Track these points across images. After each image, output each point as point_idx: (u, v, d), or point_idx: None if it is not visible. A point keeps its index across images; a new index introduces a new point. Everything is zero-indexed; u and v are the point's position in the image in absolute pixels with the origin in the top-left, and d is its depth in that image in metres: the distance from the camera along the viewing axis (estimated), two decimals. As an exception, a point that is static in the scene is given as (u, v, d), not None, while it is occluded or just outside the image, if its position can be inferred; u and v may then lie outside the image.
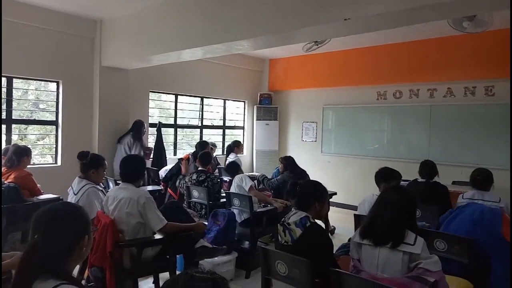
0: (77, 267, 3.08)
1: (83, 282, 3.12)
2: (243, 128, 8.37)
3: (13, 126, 5.12)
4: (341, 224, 5.56)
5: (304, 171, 5.16)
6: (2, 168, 3.90)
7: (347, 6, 3.19)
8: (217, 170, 6.05)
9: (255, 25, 3.85)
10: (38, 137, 5.75)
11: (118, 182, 4.75)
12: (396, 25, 3.76)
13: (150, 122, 6.48)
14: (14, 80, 5.07)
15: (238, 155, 6.41)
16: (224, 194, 4.54)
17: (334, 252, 2.42)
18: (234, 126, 8.25)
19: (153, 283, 3.34)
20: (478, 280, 2.53)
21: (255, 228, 4.00)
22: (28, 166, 4.22)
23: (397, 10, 2.97)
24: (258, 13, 3.82)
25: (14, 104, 5.15)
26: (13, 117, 5.08)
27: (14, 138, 5.17)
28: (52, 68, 5.27)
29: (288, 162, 5.21)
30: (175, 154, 6.89)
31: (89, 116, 5.67)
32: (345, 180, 7.07)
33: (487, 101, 5.76)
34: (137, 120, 5.77)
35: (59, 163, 5.42)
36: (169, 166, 5.61)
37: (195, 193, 4.57)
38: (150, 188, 5.10)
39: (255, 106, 8.24)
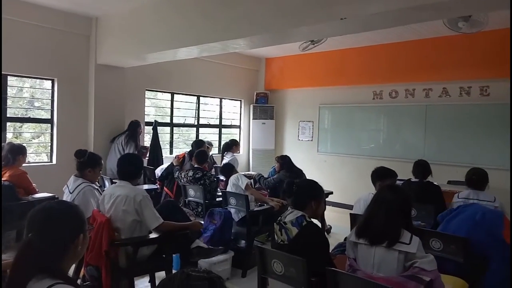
0: (73, 266, 3.06)
1: (78, 281, 3.11)
2: (239, 127, 8.37)
3: (8, 124, 5.08)
4: (337, 223, 5.58)
5: (300, 170, 5.17)
6: (-3, 167, 3.88)
7: (344, 6, 3.19)
8: (213, 169, 6.04)
9: (252, 23, 3.85)
10: (33, 135, 5.71)
11: (114, 181, 4.79)
12: (392, 24, 3.77)
13: (146, 120, 6.46)
14: (9, 78, 5.03)
15: (234, 154, 6.40)
16: (220, 193, 4.54)
17: (330, 251, 2.43)
18: (231, 125, 8.24)
19: (149, 282, 3.33)
20: (473, 279, 2.54)
21: (252, 227, 4.00)
22: (23, 165, 4.19)
23: (393, 10, 2.98)
24: (254, 12, 3.82)
25: (9, 102, 5.11)
26: (8, 115, 5.04)
27: (9, 136, 5.14)
28: (48, 65, 5.23)
29: (285, 161, 5.21)
30: (171, 153, 6.87)
31: (85, 114, 5.64)
32: (341, 180, 7.08)
33: (482, 101, 5.80)
34: (133, 120, 5.74)
35: (54, 161, 5.39)
36: (165, 165, 5.59)
37: (191, 192, 4.57)
38: (146, 187, 5.09)
39: (251, 105, 8.24)
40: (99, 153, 3.92)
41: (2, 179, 3.80)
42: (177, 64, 6.37)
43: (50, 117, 5.41)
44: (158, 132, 6.30)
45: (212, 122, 7.84)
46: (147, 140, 6.42)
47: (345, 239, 2.37)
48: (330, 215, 5.81)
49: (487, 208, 2.93)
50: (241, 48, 4.72)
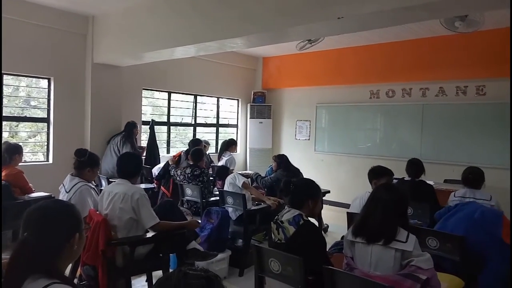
0: (69, 266, 3.06)
1: (75, 280, 3.10)
2: (236, 126, 8.37)
3: (4, 123, 5.05)
4: (334, 222, 5.59)
5: (297, 170, 5.18)
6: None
7: (341, 5, 3.20)
8: (210, 169, 6.03)
9: (249, 22, 3.85)
10: (30, 134, 5.68)
11: (110, 180, 4.77)
12: (389, 24, 3.78)
13: (143, 120, 6.45)
14: (5, 77, 5.00)
15: (232, 153, 6.40)
16: (217, 192, 4.55)
17: (327, 250, 2.43)
18: (228, 124, 8.24)
19: (146, 281, 3.33)
20: (469, 278, 2.56)
21: (249, 226, 4.01)
22: (20, 164, 4.17)
23: (390, 9, 2.98)
24: (252, 11, 3.82)
25: (5, 101, 5.08)
26: (4, 114, 5.01)
27: (5, 135, 5.11)
28: (44, 64, 5.21)
29: (282, 161, 5.21)
30: (168, 152, 6.86)
31: (81, 113, 5.62)
32: (338, 178, 7.10)
33: (478, 100, 5.82)
34: (129, 121, 5.72)
35: (50, 160, 5.37)
36: (162, 164, 5.59)
37: (188, 191, 4.57)
38: (143, 186, 5.07)
39: (248, 104, 8.23)
40: (96, 152, 3.90)
41: (-2, 178, 3.78)
42: (174, 63, 6.36)
43: (46, 116, 5.39)
44: (155, 131, 6.29)
45: (209, 121, 7.83)
46: (144, 139, 6.41)
47: (342, 237, 2.38)
48: (327, 214, 5.81)
49: (486, 207, 2.94)
50: (238, 47, 4.72)
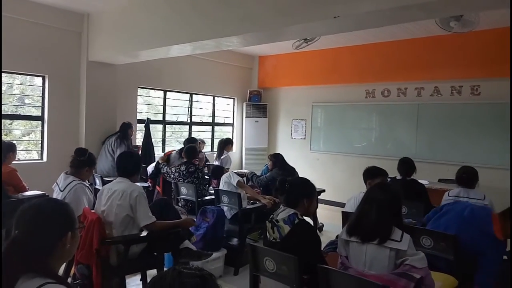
0: (63, 265, 3.04)
1: (69, 279, 3.08)
2: (232, 125, 8.36)
3: (-2, 121, 5.01)
4: (329, 221, 5.60)
5: (293, 169, 5.18)
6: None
7: (337, 4, 3.20)
8: (205, 168, 6.02)
9: (245, 21, 3.84)
10: (24, 132, 5.64)
11: (104, 179, 4.79)
12: (385, 23, 3.79)
13: (138, 118, 6.42)
14: (-1, 74, 4.96)
15: (228, 152, 6.39)
16: (212, 191, 4.54)
17: (322, 249, 2.44)
18: (223, 123, 8.23)
19: (140, 280, 3.32)
20: (463, 276, 2.57)
21: (244, 225, 4.01)
22: (13, 162, 4.14)
23: (386, 9, 2.99)
24: (248, 10, 3.81)
25: (-1, 98, 5.04)
26: (-2, 112, 4.98)
27: (-2, 133, 5.07)
28: (38, 62, 5.17)
29: (277, 160, 5.21)
30: (163, 150, 6.84)
31: (76, 111, 5.59)
32: (334, 178, 7.12)
33: (473, 100, 5.86)
34: (125, 122, 5.68)
35: (45, 159, 5.33)
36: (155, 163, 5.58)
37: (183, 189, 4.56)
38: (138, 185, 5.06)
39: (244, 103, 8.23)
40: (91, 150, 3.90)
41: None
42: (169, 62, 6.34)
43: (40, 114, 5.35)
44: (151, 129, 6.27)
45: (205, 120, 7.82)
46: (139, 138, 6.38)
47: (337, 237, 2.38)
48: (322, 213, 5.83)
49: (474, 205, 2.97)
50: (234, 46, 4.71)
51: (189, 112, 7.40)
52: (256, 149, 8.18)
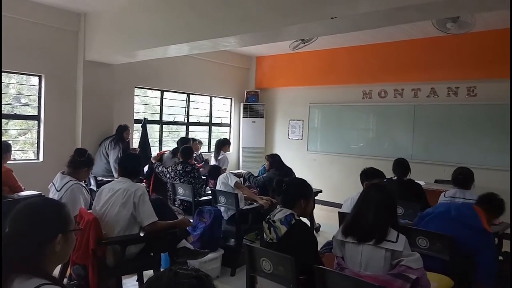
0: (59, 266, 3.03)
1: (65, 280, 3.07)
2: (229, 125, 8.35)
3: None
4: (326, 222, 5.61)
5: (290, 169, 5.19)
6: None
7: (334, 5, 3.21)
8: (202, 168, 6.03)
9: (242, 21, 3.84)
10: (20, 132, 5.61)
11: (98, 179, 4.84)
12: (382, 24, 3.81)
13: (135, 118, 6.41)
14: (-5, 74, 4.93)
15: (225, 153, 6.40)
16: (209, 192, 4.55)
17: (318, 249, 2.44)
18: (221, 123, 8.22)
19: (137, 281, 3.31)
20: (459, 277, 2.58)
21: (241, 225, 4.01)
22: (9, 162, 4.12)
23: (383, 10, 3.00)
24: (245, 10, 3.81)
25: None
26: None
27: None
28: (35, 61, 5.15)
29: (274, 160, 5.22)
30: (160, 151, 6.82)
31: (73, 111, 5.57)
32: (331, 178, 7.13)
33: (469, 101, 5.88)
34: (121, 124, 5.66)
35: (41, 159, 5.31)
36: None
37: (180, 190, 4.56)
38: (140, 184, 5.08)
39: (241, 104, 8.23)
40: (88, 150, 3.92)
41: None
42: (167, 62, 6.33)
43: (37, 114, 5.33)
44: (148, 129, 6.26)
45: (202, 120, 7.81)
46: (136, 138, 6.37)
47: (334, 237, 2.39)
48: (319, 213, 5.84)
49: (457, 203, 2.99)
50: (231, 46, 4.71)
51: (186, 112, 7.39)
52: (253, 150, 8.18)
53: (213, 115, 7.96)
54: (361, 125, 7.15)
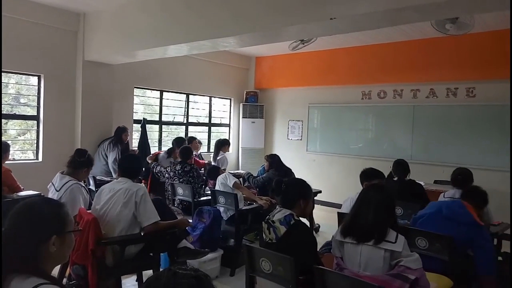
0: (58, 265, 3.03)
1: (64, 280, 3.07)
2: (229, 125, 8.35)
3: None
4: (326, 222, 5.61)
5: (289, 169, 5.19)
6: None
7: (334, 5, 3.21)
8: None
9: (242, 22, 3.85)
10: (19, 132, 5.61)
11: (97, 178, 4.84)
12: (381, 25, 3.81)
13: (134, 118, 6.40)
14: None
15: (224, 153, 6.40)
16: (209, 192, 4.55)
17: (318, 249, 2.44)
18: (220, 124, 8.22)
19: (136, 281, 3.31)
20: (458, 277, 2.59)
21: (240, 226, 4.01)
22: (9, 162, 4.12)
23: (382, 10, 3.00)
24: (245, 10, 3.81)
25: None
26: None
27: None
28: (34, 61, 5.14)
29: (274, 160, 5.22)
30: (159, 150, 6.82)
31: (72, 111, 5.56)
32: (330, 179, 7.13)
33: (468, 102, 5.89)
34: (119, 126, 5.65)
35: (40, 159, 5.30)
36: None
37: (179, 190, 4.56)
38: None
39: (241, 104, 8.23)
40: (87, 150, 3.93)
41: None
42: (166, 62, 6.33)
43: (36, 114, 5.32)
44: (147, 130, 6.26)
45: (201, 120, 7.81)
46: (135, 138, 6.37)
47: (333, 238, 2.39)
48: (319, 214, 5.84)
49: (447, 201, 3.01)
50: (231, 46, 4.71)
51: (186, 112, 7.39)
52: (252, 150, 8.19)
53: (212, 115, 7.96)
54: (360, 126, 7.15)
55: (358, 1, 3.08)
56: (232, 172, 5.98)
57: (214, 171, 4.72)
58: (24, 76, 5.30)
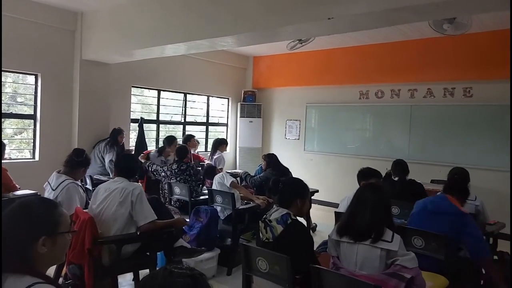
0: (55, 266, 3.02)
1: (60, 280, 3.06)
2: (226, 125, 8.35)
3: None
4: (323, 221, 5.62)
5: (286, 169, 5.18)
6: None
7: (331, 5, 3.22)
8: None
9: (240, 21, 3.85)
10: (16, 131, 5.59)
11: (95, 177, 4.86)
12: (379, 25, 3.82)
13: (132, 117, 6.39)
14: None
15: (222, 152, 6.40)
16: (206, 191, 4.55)
17: (315, 249, 2.45)
18: (218, 123, 8.22)
19: (133, 280, 3.31)
20: (453, 276, 2.60)
21: (237, 225, 4.01)
22: (5, 161, 4.11)
23: (379, 10, 3.01)
24: (243, 10, 3.81)
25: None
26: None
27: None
28: (31, 60, 5.13)
29: (271, 160, 5.22)
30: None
31: (69, 110, 5.55)
32: (327, 178, 7.14)
33: (465, 102, 5.91)
34: (115, 128, 5.63)
35: (37, 158, 5.28)
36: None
37: (176, 189, 4.56)
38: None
39: (239, 103, 8.23)
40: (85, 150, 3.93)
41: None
42: (164, 61, 6.32)
43: (33, 113, 5.31)
44: (144, 129, 6.25)
45: (199, 119, 7.80)
46: (132, 138, 6.36)
47: (329, 237, 2.40)
48: (316, 213, 5.85)
49: (431, 197, 3.05)
50: (229, 46, 4.71)
51: (183, 111, 7.38)
52: (250, 149, 8.19)
53: (210, 114, 7.96)
54: (357, 125, 7.17)
55: (355, 1, 3.08)
56: (229, 171, 5.98)
57: (211, 171, 4.72)
58: (21, 75, 5.28)
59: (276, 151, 6.74)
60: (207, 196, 4.40)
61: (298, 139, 7.80)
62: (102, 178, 5.02)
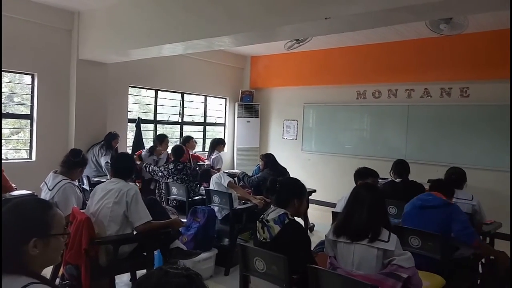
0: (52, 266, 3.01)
1: (57, 280, 3.05)
2: (224, 125, 8.35)
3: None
4: (320, 221, 5.62)
5: (284, 169, 5.19)
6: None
7: (328, 5, 3.22)
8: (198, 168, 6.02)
9: (237, 21, 3.84)
10: (12, 131, 5.57)
11: (92, 179, 4.85)
12: (376, 25, 3.82)
13: (129, 117, 6.38)
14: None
15: (219, 152, 6.39)
16: (203, 191, 4.54)
17: (312, 249, 2.45)
18: (215, 123, 8.21)
19: (130, 280, 3.30)
20: (450, 276, 2.61)
21: (235, 225, 4.01)
22: (2, 162, 4.08)
23: (376, 11, 3.02)
24: (240, 9, 3.81)
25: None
26: (-15, 110, 4.90)
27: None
28: (27, 60, 5.11)
29: (269, 160, 5.21)
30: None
31: (66, 110, 5.53)
32: (325, 178, 7.14)
33: (462, 102, 5.93)
34: (111, 131, 5.61)
35: (33, 158, 5.27)
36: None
37: (174, 190, 4.55)
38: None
39: (236, 103, 8.22)
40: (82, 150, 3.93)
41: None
42: (161, 61, 6.31)
43: (30, 113, 5.29)
44: (142, 129, 6.23)
45: (196, 119, 7.79)
46: (129, 138, 6.34)
47: (325, 237, 2.40)
48: (313, 213, 5.85)
49: (417, 196, 3.08)
50: (226, 46, 4.71)
51: (181, 111, 7.37)
52: (247, 149, 8.19)
53: (207, 114, 7.95)
54: (355, 125, 7.18)
55: (353, 1, 3.09)
56: (227, 171, 5.99)
57: (206, 174, 4.73)
58: (17, 74, 5.26)
59: (273, 151, 6.74)
60: (204, 196, 4.40)
61: (296, 139, 7.80)
62: (100, 179, 5.01)
